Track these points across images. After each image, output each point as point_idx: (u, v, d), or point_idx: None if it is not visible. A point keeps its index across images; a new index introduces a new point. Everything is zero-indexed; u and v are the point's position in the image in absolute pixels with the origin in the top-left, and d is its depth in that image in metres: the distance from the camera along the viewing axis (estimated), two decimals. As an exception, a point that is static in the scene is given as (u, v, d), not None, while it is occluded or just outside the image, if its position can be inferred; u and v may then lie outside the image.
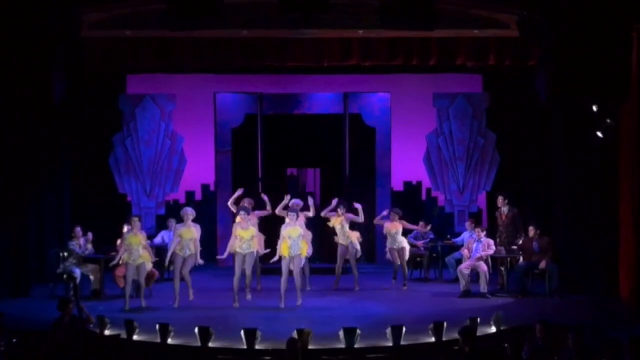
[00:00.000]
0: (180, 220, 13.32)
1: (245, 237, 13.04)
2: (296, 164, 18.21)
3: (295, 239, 12.97)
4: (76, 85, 15.05)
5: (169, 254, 13.23)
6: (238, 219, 13.20)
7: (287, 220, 13.13)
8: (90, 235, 14.08)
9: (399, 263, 14.43)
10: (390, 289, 14.34)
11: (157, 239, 15.43)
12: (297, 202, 13.93)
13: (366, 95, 17.64)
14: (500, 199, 14.71)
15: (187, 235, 13.05)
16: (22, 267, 14.04)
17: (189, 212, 13.17)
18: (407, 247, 14.58)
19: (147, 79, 17.14)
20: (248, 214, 13.27)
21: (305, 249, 13.09)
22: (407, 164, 17.60)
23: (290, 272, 13.01)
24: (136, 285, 13.60)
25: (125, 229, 13.77)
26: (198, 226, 13.21)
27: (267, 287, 13.72)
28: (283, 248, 13.02)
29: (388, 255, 14.62)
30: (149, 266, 13.09)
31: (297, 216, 13.13)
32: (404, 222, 14.72)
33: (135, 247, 12.92)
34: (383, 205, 17.31)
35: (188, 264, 13.08)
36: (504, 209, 14.60)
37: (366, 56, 14.80)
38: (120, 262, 13.67)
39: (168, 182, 17.08)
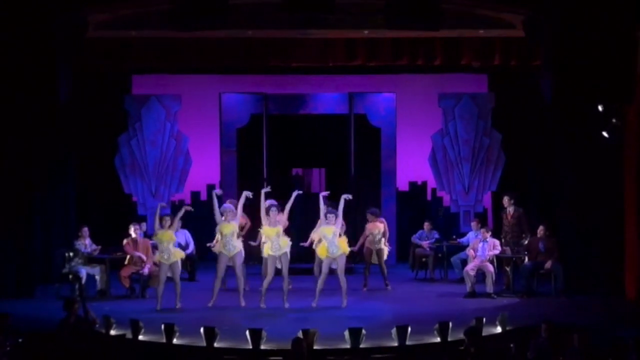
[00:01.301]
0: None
1: (271, 235, 12.74)
2: (301, 164, 18.21)
3: (331, 239, 12.74)
4: (82, 86, 15.07)
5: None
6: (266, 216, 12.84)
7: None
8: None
9: (369, 264, 14.36)
10: (367, 290, 14.24)
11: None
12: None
13: (371, 96, 17.64)
14: (505, 199, 14.68)
15: (227, 230, 12.80)
16: (27, 268, 14.05)
17: (227, 208, 12.89)
18: (386, 250, 14.48)
19: (152, 80, 17.17)
20: (278, 211, 12.87)
21: (345, 246, 12.88)
22: (412, 164, 17.61)
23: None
24: (142, 285, 13.65)
25: (131, 229, 13.80)
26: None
27: (273, 287, 13.70)
28: (321, 250, 12.85)
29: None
30: (180, 256, 12.90)
31: (337, 217, 12.77)
32: (385, 222, 14.59)
33: (166, 245, 12.73)
34: (388, 205, 17.31)
35: (237, 261, 12.83)
36: (510, 209, 14.57)
37: (371, 56, 14.81)
38: (126, 262, 13.72)
39: (173, 183, 17.07)
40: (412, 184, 17.84)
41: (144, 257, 13.65)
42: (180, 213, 12.94)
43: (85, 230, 14.03)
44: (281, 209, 13.23)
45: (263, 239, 13.25)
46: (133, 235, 13.80)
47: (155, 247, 13.28)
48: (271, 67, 15.70)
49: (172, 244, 12.86)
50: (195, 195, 17.38)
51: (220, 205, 13.00)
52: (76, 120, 15.72)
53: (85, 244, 13.95)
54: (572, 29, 13.39)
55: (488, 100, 17.08)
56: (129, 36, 14.47)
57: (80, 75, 14.67)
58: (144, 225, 14.92)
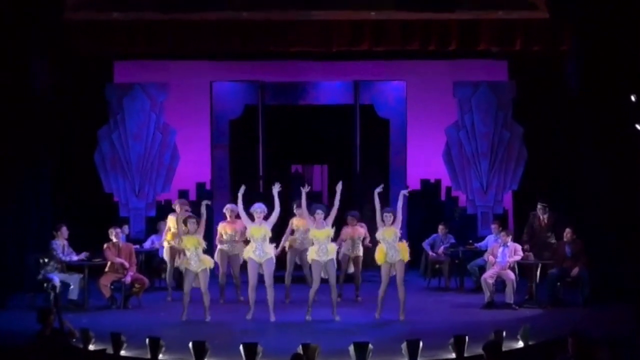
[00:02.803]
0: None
1: (320, 238, 12.61)
2: (301, 160, 18.24)
3: (391, 242, 12.67)
4: (58, 73, 15.07)
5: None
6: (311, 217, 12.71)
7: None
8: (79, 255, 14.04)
9: (346, 273, 14.29)
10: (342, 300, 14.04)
11: (147, 244, 15.46)
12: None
13: (379, 84, 17.64)
14: (540, 207, 14.45)
15: (257, 234, 12.65)
16: (-2, 275, 14.08)
17: (258, 209, 12.75)
18: (361, 256, 14.38)
19: (136, 66, 17.15)
20: (324, 214, 12.66)
21: (406, 253, 12.81)
22: (424, 160, 17.60)
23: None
24: (125, 295, 13.64)
25: (112, 233, 13.76)
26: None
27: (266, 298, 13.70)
28: (379, 254, 12.75)
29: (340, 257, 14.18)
30: (210, 264, 12.75)
31: (395, 216, 12.68)
32: (365, 227, 14.44)
33: (191, 251, 12.64)
34: (398, 205, 17.26)
35: (267, 268, 12.64)
36: (544, 215, 14.36)
37: (379, 41, 14.82)
38: (107, 268, 13.71)
39: (159, 181, 17.08)
40: (424, 182, 17.83)
41: (126, 264, 13.64)
42: (204, 213, 12.85)
43: (64, 229, 13.93)
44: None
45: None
46: (114, 239, 13.76)
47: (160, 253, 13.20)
48: (268, 52, 15.68)
49: (200, 249, 12.72)
50: (183, 194, 17.34)
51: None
52: (52, 111, 15.71)
53: (64, 244, 13.87)
54: (601, 11, 13.37)
55: (508, 90, 17.08)
56: (110, 18, 14.47)
57: (56, 61, 14.68)
58: (125, 229, 14.89)
